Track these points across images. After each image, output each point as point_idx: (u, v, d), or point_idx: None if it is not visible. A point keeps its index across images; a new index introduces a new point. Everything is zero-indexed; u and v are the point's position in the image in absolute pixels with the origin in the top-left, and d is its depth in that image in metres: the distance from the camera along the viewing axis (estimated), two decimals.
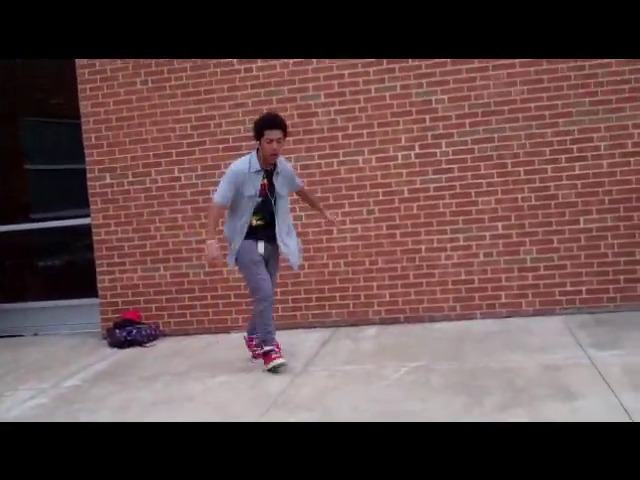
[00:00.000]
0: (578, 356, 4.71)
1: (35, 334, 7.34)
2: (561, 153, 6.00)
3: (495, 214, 6.11)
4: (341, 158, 6.35)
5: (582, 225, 5.99)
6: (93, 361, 5.97)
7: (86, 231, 6.94)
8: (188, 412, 4.33)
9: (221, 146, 6.54)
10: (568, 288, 6.02)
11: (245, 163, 4.98)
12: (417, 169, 6.23)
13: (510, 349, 5.06)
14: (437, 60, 6.10)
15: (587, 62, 5.90)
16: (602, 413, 3.60)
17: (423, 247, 6.24)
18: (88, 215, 6.88)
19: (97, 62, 6.69)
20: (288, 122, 6.24)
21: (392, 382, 4.54)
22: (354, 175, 6.34)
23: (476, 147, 6.12)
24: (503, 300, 6.13)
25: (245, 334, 5.47)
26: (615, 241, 5.95)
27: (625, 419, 3.49)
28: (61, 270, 7.81)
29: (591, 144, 5.95)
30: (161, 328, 6.68)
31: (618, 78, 5.87)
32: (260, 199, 4.98)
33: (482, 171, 6.12)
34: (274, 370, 4.92)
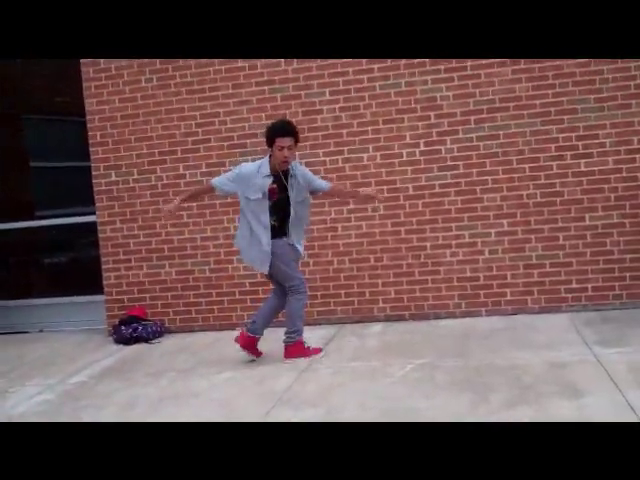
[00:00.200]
0: (584, 353, 4.70)
1: (41, 331, 7.37)
2: (566, 150, 5.99)
3: (500, 211, 6.10)
4: (346, 155, 6.35)
5: (588, 222, 5.98)
6: (99, 357, 5.99)
7: (92, 228, 6.96)
8: (194, 408, 4.34)
9: (226, 143, 6.54)
10: (574, 285, 6.01)
11: (255, 166, 5.08)
12: (422, 166, 6.22)
13: (516, 346, 5.05)
14: None
15: (592, 59, 5.88)
16: (608, 410, 3.60)
17: (428, 244, 6.24)
18: (94, 212, 6.90)
19: (102, 60, 6.70)
20: (292, 119, 6.29)
21: (397, 379, 4.54)
22: (359, 172, 6.33)
23: (481, 144, 6.11)
24: (508, 297, 6.12)
25: (244, 330, 5.31)
26: (621, 238, 5.94)
27: (631, 416, 3.48)
28: (67, 267, 7.84)
29: (597, 141, 5.93)
30: (166, 325, 6.70)
31: (624, 75, 5.85)
32: (271, 202, 5.02)
33: (487, 168, 6.11)
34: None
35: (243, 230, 5.15)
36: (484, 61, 6.04)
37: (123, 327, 6.45)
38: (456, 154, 6.15)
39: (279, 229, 5.08)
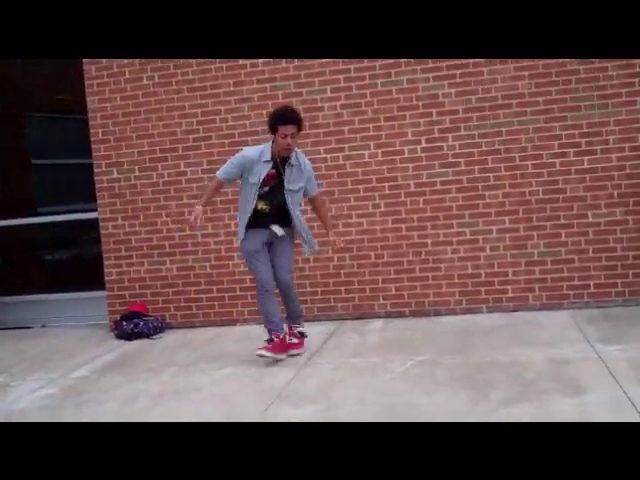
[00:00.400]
0: (585, 350, 4.69)
1: (43, 326, 7.38)
2: (570, 147, 5.97)
3: (502, 208, 6.09)
4: (347, 152, 6.34)
5: (590, 219, 5.96)
6: (101, 353, 5.99)
7: (94, 225, 6.96)
8: (194, 403, 4.34)
9: (227, 141, 6.54)
10: (576, 282, 6.00)
11: (257, 151, 5.04)
12: (423, 163, 6.21)
13: (517, 343, 5.04)
14: None
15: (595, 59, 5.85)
16: (609, 407, 3.58)
17: (429, 241, 6.23)
18: (95, 209, 6.90)
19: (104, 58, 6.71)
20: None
21: (398, 375, 4.53)
22: (360, 169, 6.32)
23: (483, 141, 6.10)
24: (510, 294, 6.10)
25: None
26: (624, 235, 5.91)
27: (633, 413, 3.46)
28: (69, 263, 7.85)
29: (600, 138, 5.91)
30: (167, 320, 6.70)
31: (628, 72, 5.83)
32: (267, 188, 5.01)
33: (489, 165, 6.09)
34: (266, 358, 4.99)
35: (240, 213, 5.19)
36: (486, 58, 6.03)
37: (124, 323, 6.46)
38: (458, 151, 6.14)
39: (268, 217, 5.04)
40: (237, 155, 5.12)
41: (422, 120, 6.20)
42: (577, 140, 5.96)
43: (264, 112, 6.40)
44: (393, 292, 6.30)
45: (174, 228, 6.69)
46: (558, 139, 5.99)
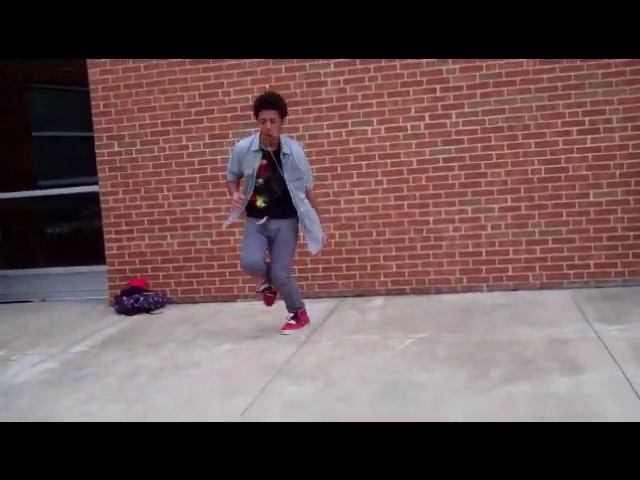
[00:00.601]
0: (585, 330, 4.70)
1: (43, 300, 7.40)
2: (573, 125, 5.94)
3: (504, 186, 6.07)
4: (350, 128, 6.31)
5: (592, 199, 5.95)
6: (101, 327, 6.01)
7: (94, 198, 6.95)
8: (194, 379, 4.36)
9: (229, 115, 6.50)
10: (576, 262, 6.00)
11: (248, 141, 5.01)
12: (426, 140, 6.17)
13: (517, 322, 5.05)
14: None
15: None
16: (607, 387, 3.60)
17: (431, 219, 6.22)
18: (96, 183, 6.88)
19: None
20: (296, 91, 6.28)
21: (398, 352, 4.55)
22: (363, 145, 6.29)
23: (487, 118, 6.06)
24: (510, 273, 6.11)
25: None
26: (625, 215, 5.91)
27: (630, 393, 3.48)
28: (69, 237, 7.85)
29: (603, 117, 5.88)
30: (168, 296, 6.71)
31: None
32: (261, 180, 4.94)
33: (492, 142, 6.06)
34: None
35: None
36: None
37: (125, 297, 6.47)
38: (461, 128, 6.11)
39: (267, 210, 4.98)
40: (233, 149, 5.14)
41: (426, 96, 6.15)
42: (580, 119, 5.93)
43: (267, 86, 6.37)
44: (394, 270, 6.30)
45: (175, 202, 6.67)
46: (561, 117, 5.96)
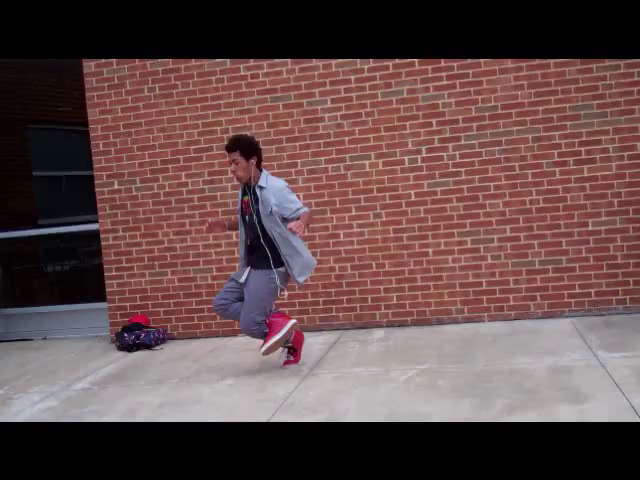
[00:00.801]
0: (587, 358, 4.68)
1: (44, 338, 7.38)
2: (569, 156, 5.99)
3: (503, 217, 6.10)
4: (348, 162, 6.36)
5: (591, 227, 5.97)
6: (102, 364, 5.99)
7: (94, 236, 6.97)
8: (196, 415, 4.32)
9: None
10: (577, 290, 6.00)
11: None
12: (424, 173, 6.22)
13: (519, 351, 5.03)
14: (443, 64, 6.10)
15: (594, 64, 5.89)
16: (612, 415, 3.57)
17: (430, 250, 6.23)
18: (96, 221, 6.91)
19: (104, 70, 6.75)
20: (294, 127, 6.36)
21: (400, 385, 4.52)
22: (361, 179, 6.34)
23: (483, 150, 6.11)
24: (511, 303, 6.10)
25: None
26: (624, 243, 5.92)
27: (636, 421, 3.45)
28: (70, 275, 7.85)
29: (600, 147, 5.93)
30: (169, 332, 6.70)
31: (627, 80, 5.86)
32: (247, 217, 5.00)
33: (489, 174, 6.11)
34: None
35: None
36: (486, 67, 6.06)
37: (126, 334, 6.45)
38: (458, 160, 6.16)
39: (252, 250, 5.01)
40: None
41: (422, 130, 6.22)
42: (577, 149, 5.98)
43: (265, 123, 6.46)
44: (395, 301, 6.30)
45: (175, 239, 6.70)
46: (558, 148, 6.01)
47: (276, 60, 6.40)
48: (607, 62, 5.86)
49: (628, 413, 3.56)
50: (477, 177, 6.14)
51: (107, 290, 6.88)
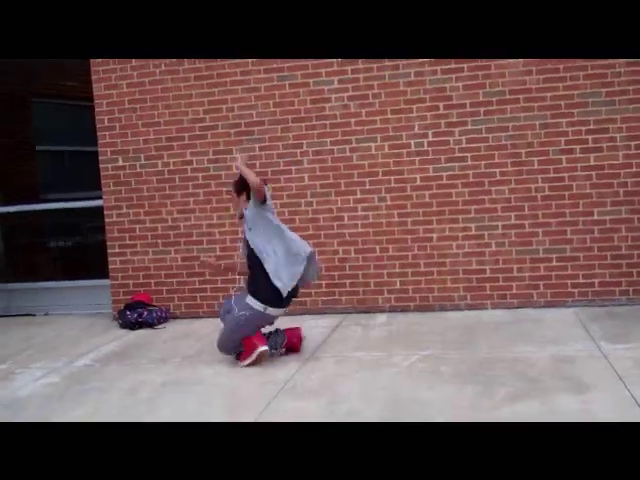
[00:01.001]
0: (590, 348, 4.69)
1: (46, 314, 7.38)
2: (576, 144, 5.96)
3: (508, 204, 6.07)
4: (353, 144, 6.33)
5: (596, 217, 5.95)
6: (104, 341, 6.00)
7: (98, 213, 6.95)
8: (197, 395, 4.35)
9: (233, 130, 6.52)
10: (580, 280, 5.99)
11: None
12: (430, 157, 6.19)
13: (521, 340, 5.04)
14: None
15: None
16: (614, 406, 3.59)
17: (434, 236, 6.22)
18: (100, 197, 6.89)
19: None
20: (300, 107, 6.35)
21: (402, 370, 4.53)
22: (366, 162, 6.31)
23: (490, 136, 6.08)
24: (514, 291, 6.10)
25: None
26: (629, 234, 5.91)
27: (637, 411, 3.47)
28: (73, 251, 7.86)
29: (607, 135, 5.90)
30: (171, 310, 6.71)
31: (636, 69, 5.81)
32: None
33: (496, 160, 6.08)
34: None
35: None
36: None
37: (128, 312, 6.46)
38: (464, 145, 6.12)
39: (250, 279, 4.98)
40: None
41: (429, 113, 6.18)
42: (584, 137, 5.95)
43: (271, 102, 6.42)
44: (398, 286, 6.30)
45: (179, 217, 6.69)
46: (565, 135, 5.98)
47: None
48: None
49: (630, 405, 3.58)
50: (483, 163, 6.11)
51: (110, 267, 6.88)
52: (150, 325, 6.39)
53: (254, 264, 4.87)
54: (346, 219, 6.35)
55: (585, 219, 5.97)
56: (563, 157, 5.98)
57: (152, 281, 6.78)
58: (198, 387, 4.52)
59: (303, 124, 6.39)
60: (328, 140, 6.37)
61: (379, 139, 6.28)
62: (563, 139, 5.98)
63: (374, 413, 3.76)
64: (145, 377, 4.83)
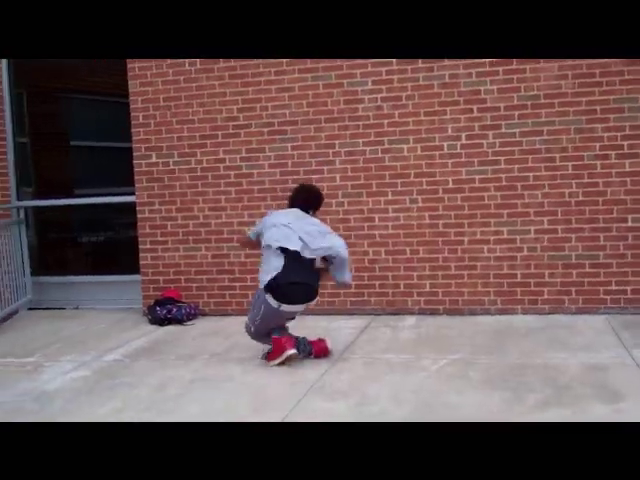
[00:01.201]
0: (622, 356, 4.64)
1: (76, 308, 7.45)
2: (611, 149, 5.88)
3: (541, 208, 6.02)
4: (386, 146, 6.31)
5: (630, 223, 5.87)
6: (134, 337, 6.06)
7: (131, 209, 7.02)
8: (225, 393, 4.37)
9: (266, 129, 6.54)
10: (613, 287, 5.91)
11: None
12: (463, 160, 6.16)
13: (552, 346, 4.99)
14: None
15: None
16: None
17: (466, 239, 6.18)
18: (133, 193, 6.96)
19: None
20: (334, 108, 6.38)
21: (431, 374, 4.51)
22: (398, 163, 6.29)
23: (524, 140, 6.02)
24: (545, 296, 6.04)
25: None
26: None
27: None
28: (104, 246, 7.93)
29: None
30: (200, 307, 6.75)
31: None
32: None
33: (529, 164, 6.02)
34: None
35: None
36: None
37: (158, 308, 6.51)
38: (498, 149, 6.08)
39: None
40: None
41: (463, 116, 6.14)
42: (619, 143, 5.87)
43: (304, 102, 6.42)
44: (427, 289, 6.27)
45: (210, 215, 6.72)
46: (600, 141, 5.90)
47: None
48: None
49: None
50: (516, 167, 6.05)
51: (141, 263, 6.93)
52: (179, 321, 6.44)
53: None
54: (377, 220, 6.34)
55: (619, 225, 5.89)
56: (598, 162, 5.91)
57: (182, 277, 6.83)
58: (226, 384, 4.55)
59: (336, 124, 6.39)
60: (360, 141, 6.36)
61: (412, 141, 6.25)
62: (598, 144, 5.90)
63: (403, 415, 3.75)
64: (174, 373, 4.87)
